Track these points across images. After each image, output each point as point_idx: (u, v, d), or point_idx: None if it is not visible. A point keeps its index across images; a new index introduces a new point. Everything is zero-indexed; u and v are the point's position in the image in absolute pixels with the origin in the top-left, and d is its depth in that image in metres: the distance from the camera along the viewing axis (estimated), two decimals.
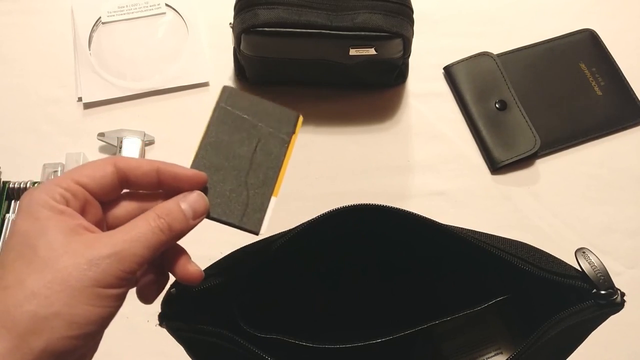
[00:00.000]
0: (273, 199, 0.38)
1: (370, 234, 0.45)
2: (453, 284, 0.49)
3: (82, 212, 0.32)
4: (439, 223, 0.41)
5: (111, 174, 0.33)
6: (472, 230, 0.44)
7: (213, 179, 0.37)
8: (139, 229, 0.31)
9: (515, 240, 0.44)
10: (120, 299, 0.31)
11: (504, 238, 0.44)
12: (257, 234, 0.37)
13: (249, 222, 0.37)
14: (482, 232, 0.44)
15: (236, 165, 0.37)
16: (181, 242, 0.64)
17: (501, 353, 0.49)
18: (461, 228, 0.44)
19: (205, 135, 0.38)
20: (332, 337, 0.42)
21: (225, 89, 0.40)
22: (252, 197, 0.37)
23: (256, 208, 0.37)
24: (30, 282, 0.29)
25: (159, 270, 0.36)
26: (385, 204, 0.41)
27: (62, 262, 0.29)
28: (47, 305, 0.28)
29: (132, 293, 0.65)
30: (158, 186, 0.35)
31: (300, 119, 0.40)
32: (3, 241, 0.60)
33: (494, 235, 0.44)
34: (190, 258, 0.35)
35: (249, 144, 0.38)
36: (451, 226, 0.42)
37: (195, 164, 0.37)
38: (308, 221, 0.41)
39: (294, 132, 0.39)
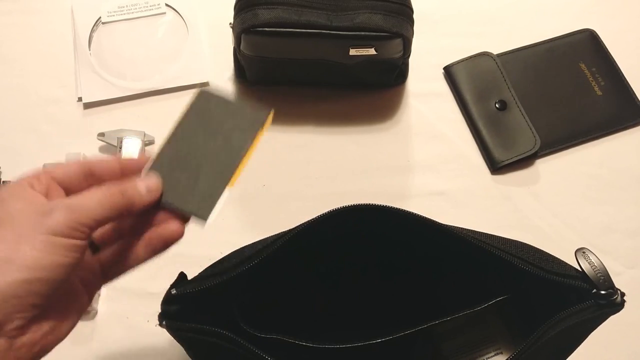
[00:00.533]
0: (227, 190, 0.39)
1: (370, 234, 0.45)
2: (453, 284, 0.49)
3: (46, 194, 0.35)
4: (439, 223, 0.41)
5: (76, 164, 0.36)
6: (472, 230, 0.44)
7: (172, 171, 0.38)
8: (94, 191, 0.34)
9: (515, 240, 0.44)
10: (75, 250, 0.33)
11: (504, 238, 0.44)
12: (204, 221, 0.38)
13: (199, 209, 0.38)
14: (482, 232, 0.44)
15: (197, 156, 0.39)
16: (181, 242, 0.64)
17: (501, 353, 0.49)
18: (461, 228, 0.44)
19: (172, 131, 0.40)
20: (332, 337, 0.42)
21: (201, 93, 0.41)
22: (206, 186, 0.38)
23: (208, 196, 0.38)
24: None
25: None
26: (385, 204, 0.41)
27: (17, 219, 0.32)
28: (2, 255, 0.31)
29: (131, 293, 0.65)
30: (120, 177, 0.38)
31: (271, 115, 0.41)
32: None
33: (494, 235, 0.44)
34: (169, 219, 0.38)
35: (214, 139, 0.40)
36: (451, 226, 0.42)
37: (158, 158, 0.39)
38: (308, 221, 0.41)
39: (261, 129, 0.40)
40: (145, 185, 0.37)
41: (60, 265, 0.32)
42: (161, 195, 0.38)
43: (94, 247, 0.38)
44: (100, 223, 0.34)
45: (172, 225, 0.38)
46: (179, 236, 0.38)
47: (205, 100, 0.41)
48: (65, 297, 0.35)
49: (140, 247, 0.38)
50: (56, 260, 0.32)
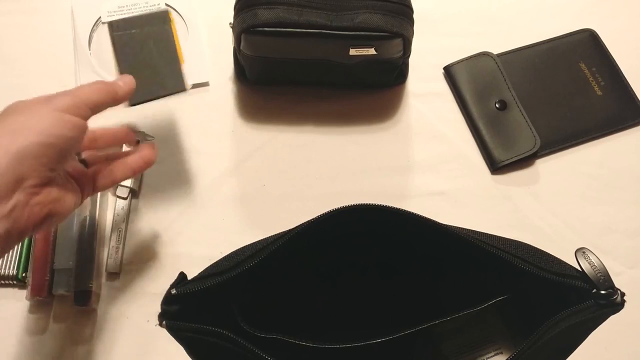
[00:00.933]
0: (182, 66, 0.58)
1: (370, 233, 0.45)
2: (453, 284, 0.49)
3: None
4: (439, 223, 0.41)
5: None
6: (472, 230, 0.44)
7: (136, 77, 0.52)
8: (87, 84, 0.46)
9: (515, 240, 0.44)
10: (78, 126, 0.42)
11: (504, 238, 0.44)
12: (185, 89, 0.58)
13: (176, 85, 0.57)
14: (482, 232, 0.44)
15: (145, 61, 0.57)
16: (181, 242, 0.64)
17: (501, 353, 0.49)
18: (461, 228, 0.44)
19: (117, 58, 0.58)
20: (332, 337, 0.42)
21: (110, 23, 0.60)
22: (167, 71, 0.57)
23: (172, 74, 0.57)
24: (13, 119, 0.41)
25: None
26: (385, 204, 0.41)
27: (27, 105, 0.42)
28: (21, 123, 0.40)
29: (131, 293, 0.65)
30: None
31: (171, 13, 0.61)
32: None
33: (494, 235, 0.44)
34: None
35: (148, 50, 0.58)
36: (451, 226, 0.42)
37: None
38: (308, 221, 0.41)
39: (169, 22, 0.59)
40: (122, 80, 0.49)
41: (66, 137, 0.41)
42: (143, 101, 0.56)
43: (86, 163, 0.50)
44: (96, 106, 0.44)
45: (147, 150, 0.53)
46: (153, 157, 0.53)
47: (116, 25, 0.60)
48: (68, 181, 0.44)
49: (123, 165, 0.51)
50: (63, 132, 0.40)
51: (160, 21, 0.61)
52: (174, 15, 0.74)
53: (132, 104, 0.66)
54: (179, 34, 0.73)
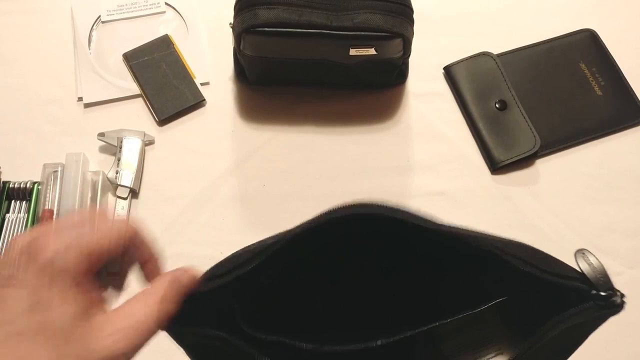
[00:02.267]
0: (195, 80, 0.68)
1: (370, 234, 0.45)
2: (453, 285, 0.49)
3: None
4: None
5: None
6: (472, 230, 0.44)
7: (159, 95, 0.67)
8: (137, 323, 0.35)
9: (516, 241, 0.44)
10: None
11: (504, 238, 0.44)
12: (204, 99, 0.68)
13: (194, 98, 0.67)
14: (482, 232, 0.44)
15: (162, 80, 0.68)
16: (181, 242, 0.64)
17: (501, 354, 0.49)
18: (461, 228, 0.43)
19: (140, 83, 0.68)
20: (332, 337, 0.42)
21: (124, 55, 0.70)
22: (184, 86, 0.67)
23: (189, 89, 0.67)
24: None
25: None
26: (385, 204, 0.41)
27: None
28: None
29: (131, 294, 0.65)
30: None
31: (170, 36, 0.70)
32: (3, 241, 0.60)
33: (494, 236, 0.44)
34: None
35: (161, 69, 0.68)
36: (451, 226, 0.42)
37: (144, 92, 0.67)
38: (308, 221, 0.41)
39: (172, 45, 0.70)
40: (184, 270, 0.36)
41: None
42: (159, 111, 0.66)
43: None
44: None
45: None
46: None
47: (132, 56, 0.69)
48: None
49: None
50: None
51: (165, 46, 0.69)
52: (174, 15, 0.74)
53: (162, 120, 0.68)
54: (179, 32, 0.73)
